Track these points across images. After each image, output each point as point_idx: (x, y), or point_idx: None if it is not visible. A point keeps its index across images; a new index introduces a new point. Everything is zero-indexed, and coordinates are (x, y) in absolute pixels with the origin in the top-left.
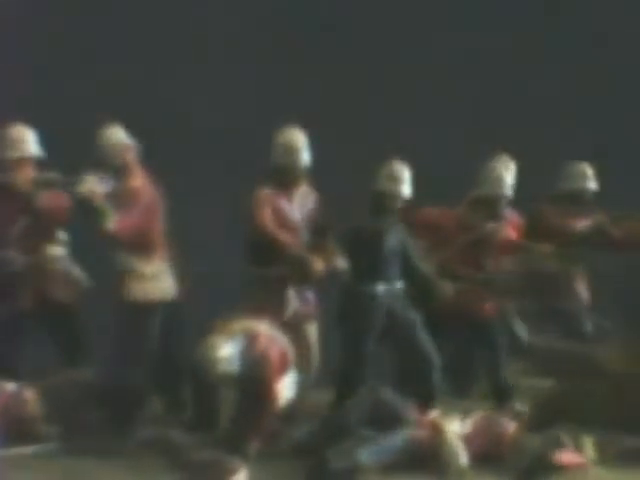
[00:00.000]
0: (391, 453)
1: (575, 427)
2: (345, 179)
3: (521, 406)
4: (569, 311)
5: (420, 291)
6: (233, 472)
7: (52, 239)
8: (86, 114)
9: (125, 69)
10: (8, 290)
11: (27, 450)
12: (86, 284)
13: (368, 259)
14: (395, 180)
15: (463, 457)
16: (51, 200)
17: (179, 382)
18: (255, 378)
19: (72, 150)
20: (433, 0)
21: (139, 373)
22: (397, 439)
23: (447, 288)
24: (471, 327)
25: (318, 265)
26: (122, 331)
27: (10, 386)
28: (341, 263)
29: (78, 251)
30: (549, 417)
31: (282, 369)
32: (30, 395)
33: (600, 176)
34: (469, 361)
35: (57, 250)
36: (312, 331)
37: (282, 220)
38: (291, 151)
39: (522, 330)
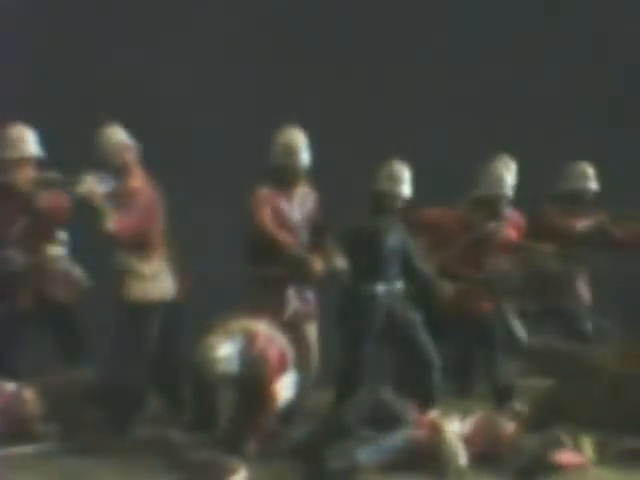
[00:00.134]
0: (390, 453)
1: (574, 427)
2: (345, 179)
3: (521, 406)
4: (570, 311)
5: (420, 291)
6: (232, 472)
7: (52, 239)
8: (86, 114)
9: (125, 69)
10: (8, 290)
11: (26, 450)
12: (86, 284)
13: (368, 259)
14: (395, 180)
15: (462, 457)
16: (51, 200)
17: (178, 382)
18: (254, 378)
19: (72, 150)
20: (433, 0)
21: (139, 373)
22: (396, 439)
23: (447, 288)
24: (470, 326)
25: (318, 265)
26: (122, 331)
27: (10, 386)
28: (341, 263)
29: (78, 251)
30: (548, 417)
31: (281, 369)
32: (29, 395)
33: (600, 176)
34: (470, 361)
35: (57, 250)
36: (312, 331)
37: (282, 220)
38: (291, 151)
39: (521, 330)
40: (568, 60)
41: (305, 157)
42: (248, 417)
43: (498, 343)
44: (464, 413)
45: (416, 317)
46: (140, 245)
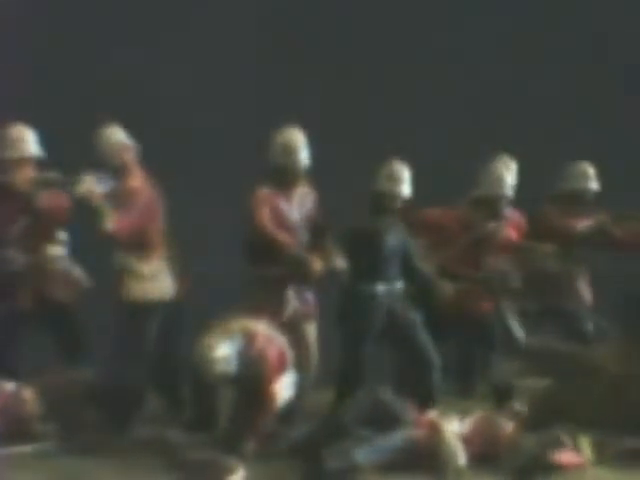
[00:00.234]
0: (388, 453)
1: (572, 427)
2: (345, 179)
3: (520, 406)
4: (571, 311)
5: (420, 291)
6: (230, 472)
7: (52, 239)
8: (86, 114)
9: (125, 69)
10: (8, 290)
11: (26, 449)
12: (86, 284)
13: (368, 259)
14: (395, 180)
15: (461, 457)
16: (51, 200)
17: (178, 382)
18: (253, 378)
19: (72, 150)
20: (433, 0)
21: (138, 373)
22: (395, 439)
23: (447, 288)
24: (470, 326)
25: (317, 265)
26: (121, 331)
27: (9, 386)
28: (340, 263)
29: (78, 251)
30: (546, 417)
31: (280, 369)
32: (29, 395)
33: (600, 176)
34: (471, 361)
35: (57, 250)
36: (311, 331)
37: (281, 220)
38: (290, 151)
39: (519, 330)
40: (568, 60)
41: (304, 157)
42: (247, 417)
43: (497, 343)
44: (464, 413)
45: (416, 317)
46: (139, 245)
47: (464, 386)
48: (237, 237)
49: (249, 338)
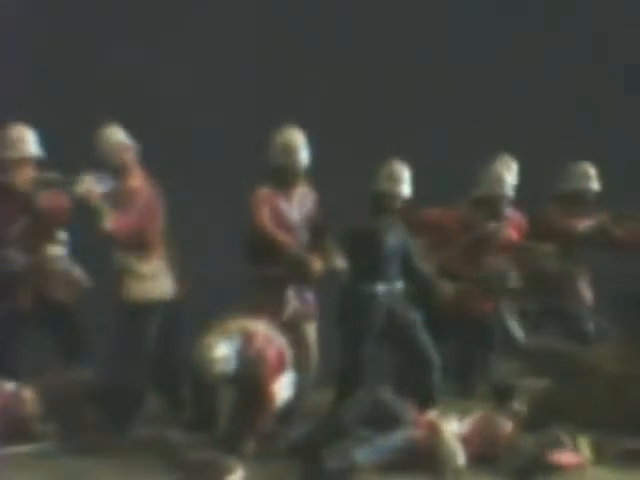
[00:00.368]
0: (388, 453)
1: (572, 427)
2: (345, 179)
3: (520, 406)
4: (571, 311)
5: (420, 291)
6: (229, 471)
7: (52, 239)
8: (86, 114)
9: (125, 69)
10: (8, 290)
11: (25, 449)
12: (86, 284)
13: (368, 259)
14: (395, 180)
15: (460, 457)
16: (51, 200)
17: (178, 382)
18: (251, 378)
19: (72, 150)
20: (433, 0)
21: (138, 373)
22: (394, 439)
23: (447, 288)
24: (470, 326)
25: (317, 265)
26: (121, 331)
27: (9, 386)
28: (340, 263)
29: (78, 251)
30: (545, 417)
31: (279, 369)
32: (29, 395)
33: (600, 176)
34: (472, 361)
35: (57, 250)
36: (311, 331)
37: (281, 220)
38: (290, 151)
39: (517, 330)
40: (568, 60)
41: (304, 157)
42: (246, 417)
43: (497, 343)
44: (463, 413)
45: (416, 317)
46: (139, 245)
47: (464, 386)
48: (237, 237)
49: (248, 338)
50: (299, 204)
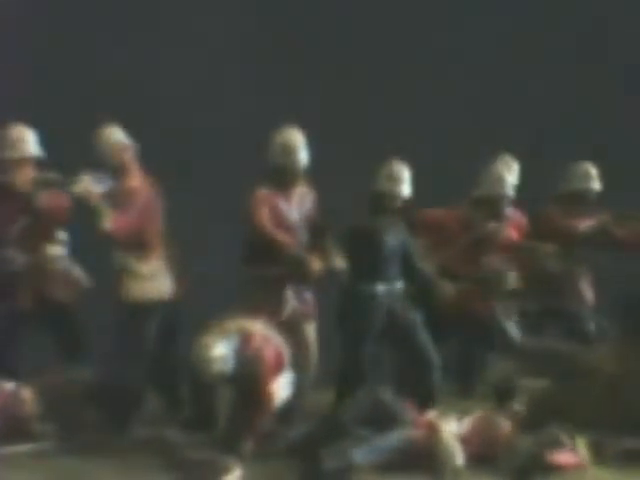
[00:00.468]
0: (386, 453)
1: (570, 427)
2: (345, 179)
3: (519, 406)
4: (572, 312)
5: (420, 291)
6: (227, 471)
7: (52, 239)
8: (86, 114)
9: (125, 69)
10: (8, 290)
11: (24, 449)
12: (86, 284)
13: (368, 259)
14: (395, 180)
15: (459, 457)
16: (51, 200)
17: (177, 382)
18: (249, 377)
19: (72, 150)
20: (434, 1)
21: (137, 373)
22: (392, 439)
23: (447, 288)
24: (470, 326)
25: (316, 265)
26: (120, 331)
27: (8, 385)
28: (339, 263)
29: (78, 251)
30: (543, 417)
31: (277, 369)
32: (28, 394)
33: (600, 176)
34: (471, 361)
35: (57, 250)
36: (310, 331)
37: (280, 220)
38: (289, 151)
39: (514, 330)
40: (568, 60)
41: (303, 157)
42: (244, 417)
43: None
44: (463, 413)
45: (416, 317)
46: (138, 245)
47: (464, 386)
48: (237, 237)
49: (246, 338)
50: (298, 204)
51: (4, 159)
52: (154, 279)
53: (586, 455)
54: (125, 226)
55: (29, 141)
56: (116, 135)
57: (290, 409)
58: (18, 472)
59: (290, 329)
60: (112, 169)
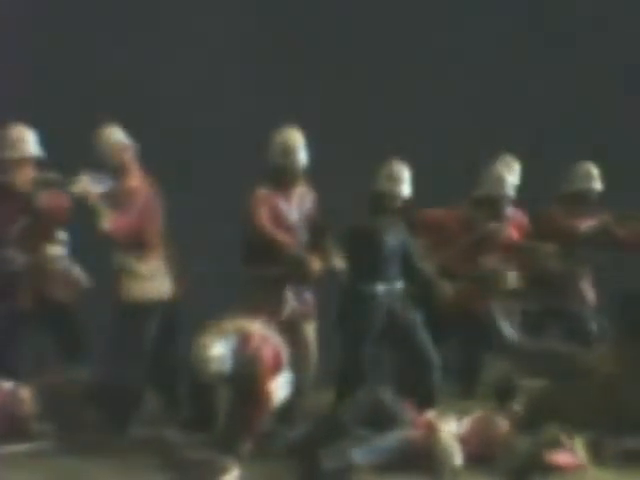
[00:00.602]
0: (385, 453)
1: (567, 427)
2: (345, 179)
3: (519, 406)
4: (574, 312)
5: (420, 291)
6: (225, 471)
7: (52, 239)
8: (86, 114)
9: (125, 69)
10: (8, 290)
11: (23, 448)
12: (86, 284)
13: (368, 259)
14: (395, 180)
15: (458, 457)
16: (51, 200)
17: (176, 382)
18: (247, 377)
19: (72, 150)
20: (434, 1)
21: (136, 373)
22: (391, 439)
23: (447, 288)
24: (471, 326)
25: (316, 265)
26: (119, 330)
27: (6, 385)
28: (339, 263)
29: (78, 251)
30: (541, 417)
31: (275, 369)
32: (26, 394)
33: (600, 176)
34: (471, 361)
35: (57, 250)
36: (310, 330)
37: (280, 220)
38: (289, 151)
39: (509, 329)
40: (568, 60)
41: (303, 157)
42: (242, 416)
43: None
44: (463, 413)
45: (416, 317)
46: (137, 245)
47: (464, 386)
48: (237, 237)
49: (244, 338)
50: (298, 204)
51: (4, 159)
52: (153, 279)
53: (584, 455)
54: (124, 226)
55: (29, 141)
56: (116, 135)
57: (290, 409)
58: (17, 472)
59: (290, 329)
60: (112, 169)
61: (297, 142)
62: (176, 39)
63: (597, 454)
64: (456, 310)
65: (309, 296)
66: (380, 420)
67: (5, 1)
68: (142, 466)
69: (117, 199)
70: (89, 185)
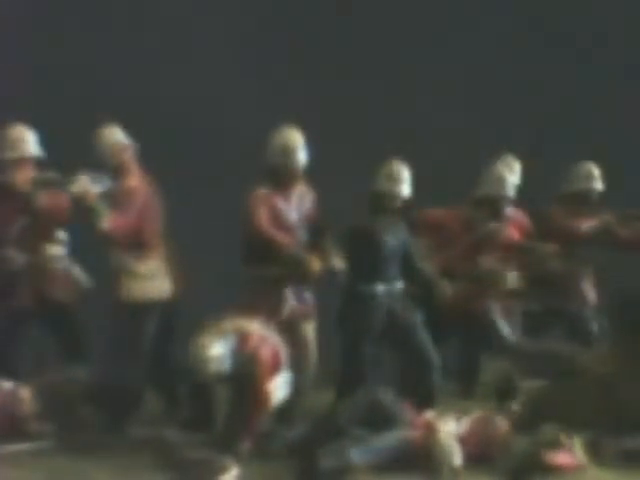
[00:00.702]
0: (384, 453)
1: (566, 427)
2: (345, 179)
3: (518, 406)
4: (575, 312)
5: (420, 291)
6: (224, 471)
7: (52, 239)
8: (86, 114)
9: (125, 69)
10: (8, 290)
11: (22, 448)
12: (86, 284)
13: (368, 259)
14: (395, 180)
15: (457, 457)
16: (51, 200)
17: (175, 381)
18: (246, 377)
19: (72, 150)
20: (434, 1)
21: (136, 372)
22: (390, 439)
23: (447, 288)
24: (470, 326)
25: (315, 265)
26: (119, 330)
27: (6, 384)
28: (339, 263)
29: (78, 251)
30: (540, 417)
31: (274, 369)
32: (26, 393)
33: (600, 176)
34: (471, 361)
35: (57, 250)
36: (309, 330)
37: (279, 220)
38: (288, 151)
39: (506, 329)
40: (568, 60)
41: (302, 157)
42: (241, 416)
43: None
44: (462, 413)
45: (416, 317)
46: (137, 245)
47: (464, 386)
48: (236, 237)
49: (243, 337)
50: (298, 204)
51: (4, 159)
52: (153, 279)
53: (583, 455)
54: (123, 226)
55: (29, 141)
56: (116, 135)
57: (289, 409)
58: (16, 471)
59: (289, 329)
60: (111, 169)
61: (296, 142)
62: (176, 39)
63: (596, 454)
64: (456, 310)
65: (309, 296)
66: (379, 420)
67: (5, 1)
68: (142, 466)
69: (116, 199)
70: (88, 185)
